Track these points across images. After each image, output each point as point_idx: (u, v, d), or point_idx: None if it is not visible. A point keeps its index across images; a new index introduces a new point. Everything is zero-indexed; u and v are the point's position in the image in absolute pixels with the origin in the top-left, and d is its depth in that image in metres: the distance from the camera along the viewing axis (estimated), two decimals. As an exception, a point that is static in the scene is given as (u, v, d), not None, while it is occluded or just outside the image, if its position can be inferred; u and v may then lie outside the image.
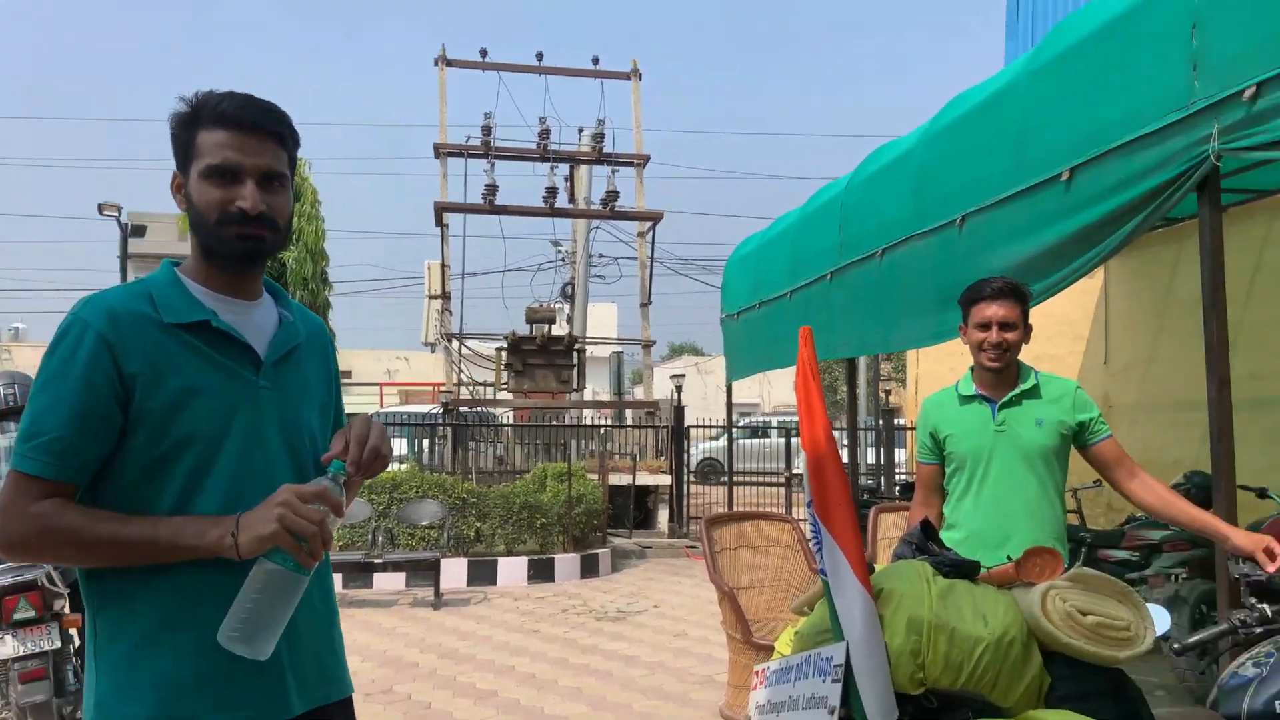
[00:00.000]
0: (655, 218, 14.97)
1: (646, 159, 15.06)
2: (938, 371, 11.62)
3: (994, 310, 2.82)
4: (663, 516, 12.64)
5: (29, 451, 1.36)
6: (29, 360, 32.34)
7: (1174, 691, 4.74)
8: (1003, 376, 2.88)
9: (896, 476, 11.96)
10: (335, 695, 1.59)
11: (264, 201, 1.47)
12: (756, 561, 5.38)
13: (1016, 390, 2.87)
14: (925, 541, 2.15)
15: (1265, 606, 2.35)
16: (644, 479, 12.41)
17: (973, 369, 2.96)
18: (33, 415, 1.38)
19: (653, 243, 15.20)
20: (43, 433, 1.36)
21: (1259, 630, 2.30)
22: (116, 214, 14.68)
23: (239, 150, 1.45)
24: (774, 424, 18.93)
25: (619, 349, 18.16)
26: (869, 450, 14.49)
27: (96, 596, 1.43)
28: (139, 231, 18.88)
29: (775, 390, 48.00)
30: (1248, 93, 2.92)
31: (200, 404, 1.43)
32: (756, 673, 2.33)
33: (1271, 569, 2.41)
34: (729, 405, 10.30)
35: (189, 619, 1.39)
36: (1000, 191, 4.39)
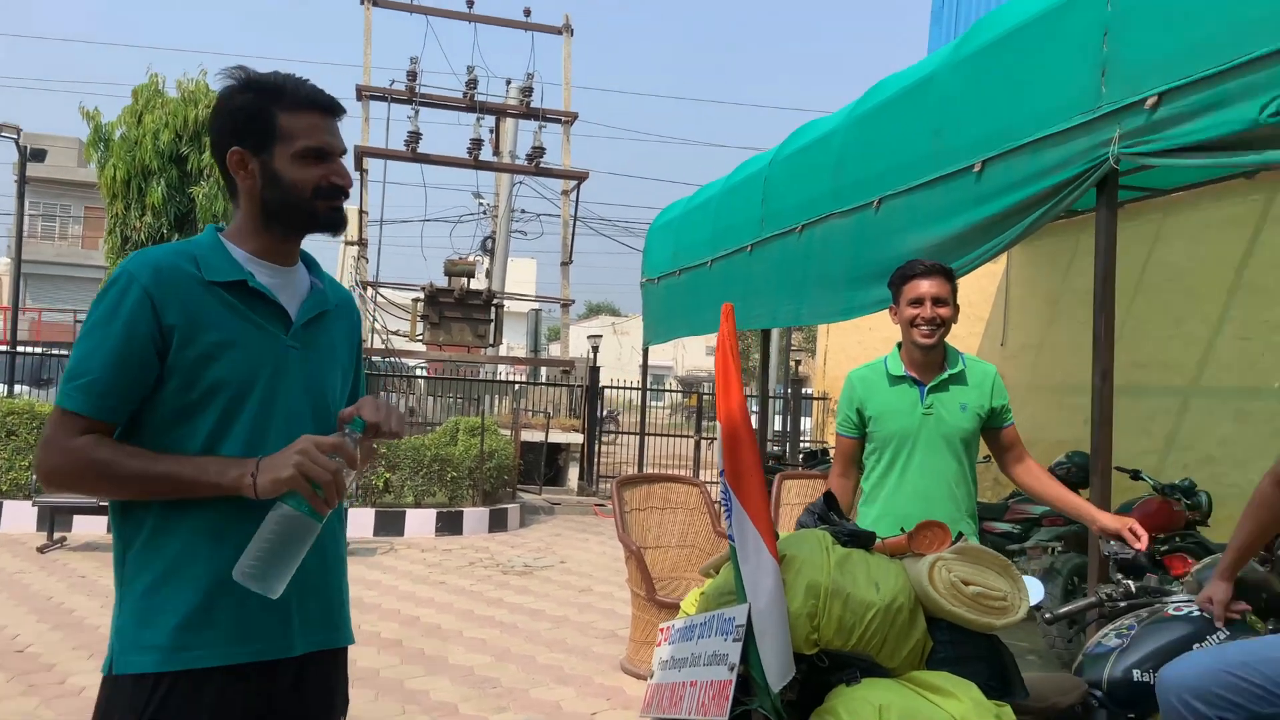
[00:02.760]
0: (580, 176, 14.89)
1: (574, 116, 14.93)
2: (845, 344, 11.98)
3: (927, 286, 2.86)
4: (573, 474, 12.76)
5: (71, 390, 1.47)
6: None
7: (1045, 656, 5.09)
8: (931, 357, 2.92)
9: (801, 444, 12.32)
10: (336, 642, 1.68)
11: None
12: (664, 522, 5.53)
13: (945, 375, 2.92)
14: (827, 512, 2.28)
15: (1130, 582, 2.57)
16: (556, 436, 12.48)
17: (899, 346, 3.00)
18: (77, 357, 1.49)
19: (576, 201, 15.13)
20: (85, 374, 1.47)
21: (1123, 604, 2.52)
22: (15, 135, 13.74)
23: (329, 133, 1.64)
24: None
25: (537, 306, 18.08)
26: (776, 418, 14.86)
27: (128, 532, 1.53)
28: (39, 155, 17.76)
29: (689, 354, 48.56)
30: (1150, 101, 3.11)
31: (231, 356, 1.54)
32: (661, 630, 2.44)
33: (1139, 547, 2.62)
34: (644, 367, 10.42)
35: (209, 555, 1.49)
36: (916, 178, 4.56)
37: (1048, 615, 2.54)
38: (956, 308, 2.95)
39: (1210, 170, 5.88)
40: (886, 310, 3.08)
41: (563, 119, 14.85)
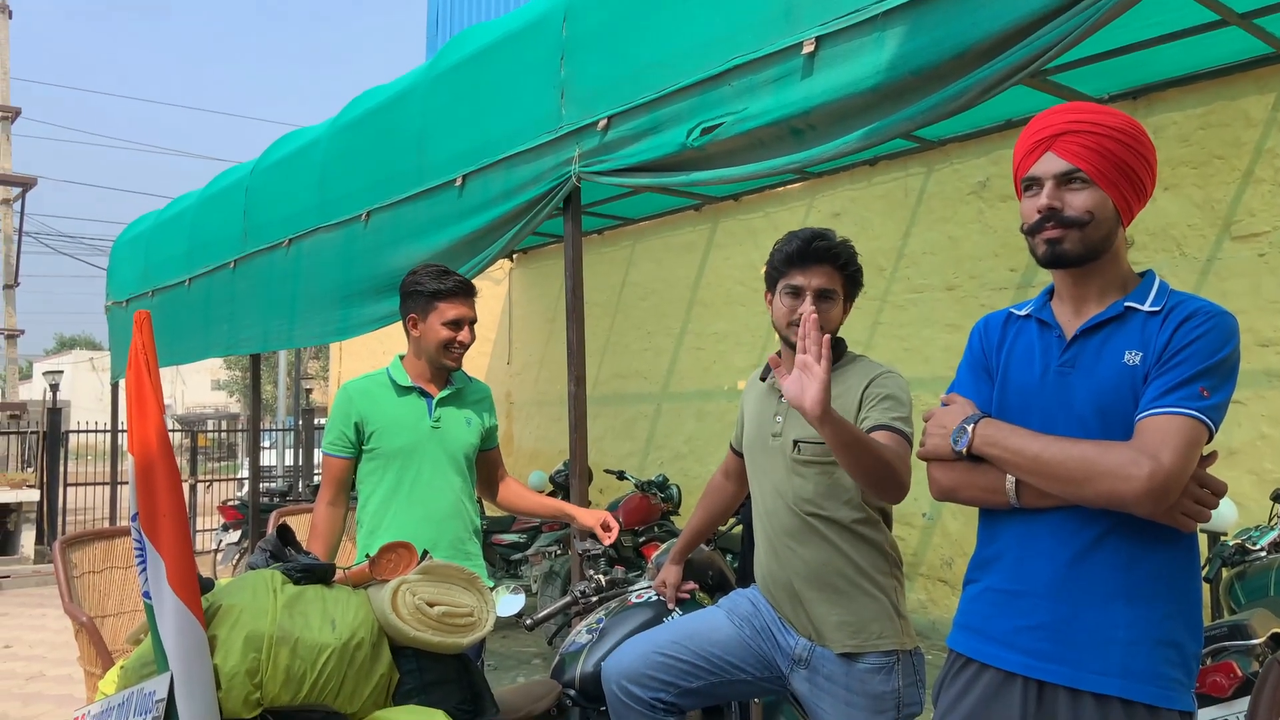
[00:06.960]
0: (25, 183, 12.53)
1: (16, 112, 12.54)
2: (360, 368, 11.56)
3: (464, 310, 2.72)
4: (29, 538, 10.59)
5: None
6: None
7: (550, 659, 5.27)
8: (441, 372, 2.78)
9: (316, 478, 11.63)
10: None
11: None
12: (130, 583, 4.71)
13: (452, 388, 2.78)
14: (281, 547, 2.01)
15: (600, 577, 2.65)
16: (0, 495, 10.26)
17: (401, 358, 2.80)
18: None
19: (21, 213, 12.70)
20: None
21: (595, 599, 2.59)
22: None
23: None
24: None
25: (-26, 339, 14.82)
26: (287, 452, 13.89)
27: None
28: None
29: (190, 389, 43.81)
30: (601, 123, 3.32)
31: None
32: (76, 718, 1.96)
33: (608, 541, 2.74)
34: (114, 406, 9.02)
35: None
36: (402, 191, 4.45)
37: (528, 622, 2.54)
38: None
39: (666, 200, 6.66)
40: (403, 323, 2.79)
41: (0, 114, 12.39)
